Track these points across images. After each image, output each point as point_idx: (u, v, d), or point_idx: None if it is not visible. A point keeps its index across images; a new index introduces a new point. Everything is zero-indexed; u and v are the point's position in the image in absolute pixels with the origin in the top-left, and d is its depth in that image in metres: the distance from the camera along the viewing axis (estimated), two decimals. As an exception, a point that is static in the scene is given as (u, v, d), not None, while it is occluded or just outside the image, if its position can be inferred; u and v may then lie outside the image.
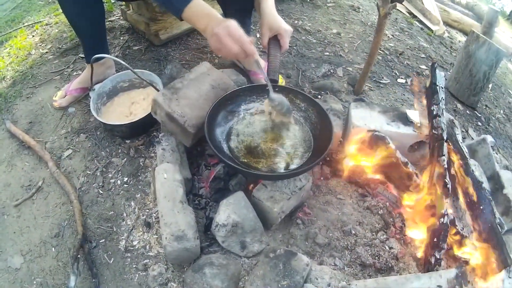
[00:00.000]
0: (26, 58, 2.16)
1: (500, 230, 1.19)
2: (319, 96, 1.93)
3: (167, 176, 1.25)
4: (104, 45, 1.78)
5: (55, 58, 2.14)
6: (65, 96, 1.81)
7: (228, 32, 1.14)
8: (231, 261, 1.17)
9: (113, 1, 2.56)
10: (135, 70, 1.57)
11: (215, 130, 1.37)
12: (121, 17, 2.37)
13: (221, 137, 1.38)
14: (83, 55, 2.10)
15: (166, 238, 1.12)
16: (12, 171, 1.58)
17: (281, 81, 1.89)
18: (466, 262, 1.19)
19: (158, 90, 1.58)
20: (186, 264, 1.22)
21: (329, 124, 1.33)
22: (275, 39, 1.42)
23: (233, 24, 1.15)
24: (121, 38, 2.25)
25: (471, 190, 1.28)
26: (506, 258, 1.07)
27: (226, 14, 1.78)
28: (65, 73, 2.02)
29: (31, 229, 1.40)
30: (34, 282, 1.26)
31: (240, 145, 1.36)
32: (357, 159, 1.46)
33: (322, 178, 1.51)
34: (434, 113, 1.36)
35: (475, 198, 1.25)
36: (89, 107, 1.63)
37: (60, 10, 2.53)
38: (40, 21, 2.50)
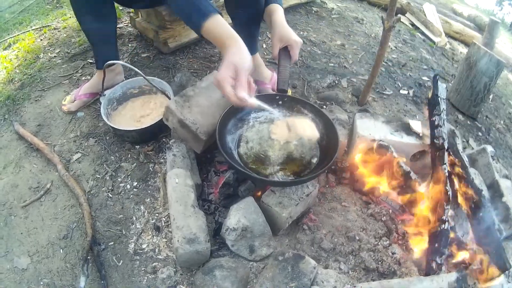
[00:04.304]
0: (34, 61, 2.17)
1: (499, 236, 1.23)
2: (324, 106, 1.96)
3: (178, 181, 1.28)
4: (115, 52, 1.80)
5: (64, 62, 2.15)
6: (74, 100, 1.81)
7: (217, 83, 1.14)
8: (240, 264, 1.20)
9: (121, 8, 2.58)
10: (147, 77, 1.59)
11: (226, 137, 1.39)
12: (130, 24, 2.39)
13: (231, 144, 1.41)
14: (92, 61, 2.12)
15: (178, 240, 1.14)
16: (20, 173, 1.58)
17: (289, 92, 1.92)
18: (466, 267, 1.22)
19: (169, 98, 1.61)
20: (195, 267, 1.24)
21: (335, 133, 1.36)
22: (285, 50, 1.47)
23: (222, 74, 1.11)
24: (129, 45, 2.27)
25: (471, 197, 1.31)
26: (505, 263, 1.11)
27: (234, 25, 1.81)
28: (74, 77, 2.03)
29: (38, 231, 1.40)
30: (41, 283, 1.26)
31: (249, 152, 1.39)
32: (361, 167, 1.50)
33: (327, 185, 1.54)
34: (436, 123, 1.40)
35: (475, 205, 1.29)
36: (98, 112, 1.64)
37: (68, 15, 2.58)
38: (48, 25, 2.51)
